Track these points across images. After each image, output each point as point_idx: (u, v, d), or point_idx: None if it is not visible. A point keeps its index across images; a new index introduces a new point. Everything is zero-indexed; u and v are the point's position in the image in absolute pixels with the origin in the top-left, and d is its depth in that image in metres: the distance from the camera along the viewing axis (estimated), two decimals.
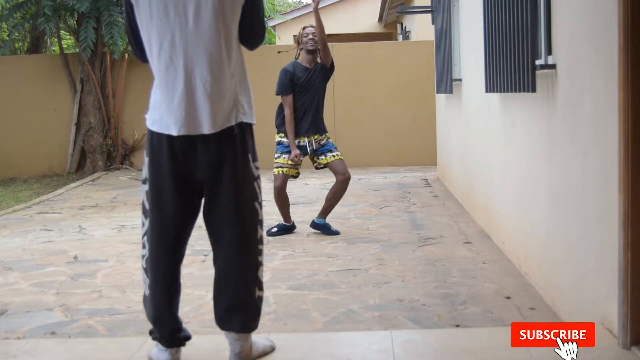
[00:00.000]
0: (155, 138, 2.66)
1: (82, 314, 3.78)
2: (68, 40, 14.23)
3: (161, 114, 2.63)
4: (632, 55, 2.62)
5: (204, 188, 2.71)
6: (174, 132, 2.61)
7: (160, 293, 2.73)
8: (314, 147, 5.69)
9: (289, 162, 5.63)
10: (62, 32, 11.75)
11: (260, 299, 2.79)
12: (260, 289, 2.78)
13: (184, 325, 2.84)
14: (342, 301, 3.87)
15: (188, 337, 2.83)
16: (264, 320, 3.11)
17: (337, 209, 6.86)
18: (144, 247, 2.76)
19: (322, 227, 5.73)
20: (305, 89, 5.64)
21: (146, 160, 2.71)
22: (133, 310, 3.78)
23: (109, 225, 6.51)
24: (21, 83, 11.02)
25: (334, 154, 5.70)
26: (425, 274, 4.39)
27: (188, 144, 2.63)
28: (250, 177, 2.73)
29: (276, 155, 5.69)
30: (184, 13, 2.57)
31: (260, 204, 2.78)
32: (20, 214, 7.43)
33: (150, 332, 2.83)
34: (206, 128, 2.62)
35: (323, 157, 5.70)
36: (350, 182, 5.79)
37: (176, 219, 2.69)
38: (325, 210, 5.81)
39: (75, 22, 10.92)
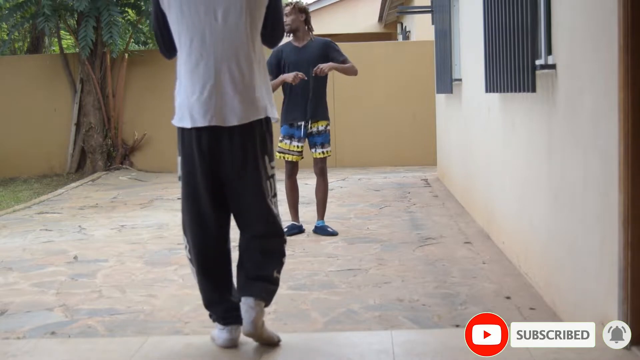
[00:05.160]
0: (186, 135, 2.80)
1: (82, 314, 3.78)
2: (68, 40, 14.22)
3: (189, 107, 2.76)
4: (632, 55, 2.62)
5: (226, 180, 2.83)
6: (202, 123, 2.73)
7: (207, 282, 2.91)
8: (309, 130, 5.62)
9: (288, 147, 5.62)
10: (62, 32, 11.75)
11: (277, 280, 2.92)
12: (279, 272, 2.93)
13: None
14: (342, 301, 3.87)
15: None
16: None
17: (337, 209, 6.87)
18: (185, 236, 2.92)
19: (319, 229, 5.73)
20: (296, 68, 5.54)
21: (179, 158, 2.86)
22: (133, 310, 3.78)
23: (109, 225, 6.51)
24: (21, 83, 11.01)
25: (322, 150, 5.66)
26: (425, 274, 4.39)
27: (214, 137, 2.76)
28: (268, 170, 2.89)
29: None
30: (214, 12, 2.72)
31: (275, 194, 2.93)
32: (20, 214, 7.43)
33: (210, 315, 2.98)
34: (235, 119, 2.75)
35: (314, 150, 5.69)
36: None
37: (211, 212, 2.84)
38: (319, 210, 5.80)
39: (75, 22, 10.92)
